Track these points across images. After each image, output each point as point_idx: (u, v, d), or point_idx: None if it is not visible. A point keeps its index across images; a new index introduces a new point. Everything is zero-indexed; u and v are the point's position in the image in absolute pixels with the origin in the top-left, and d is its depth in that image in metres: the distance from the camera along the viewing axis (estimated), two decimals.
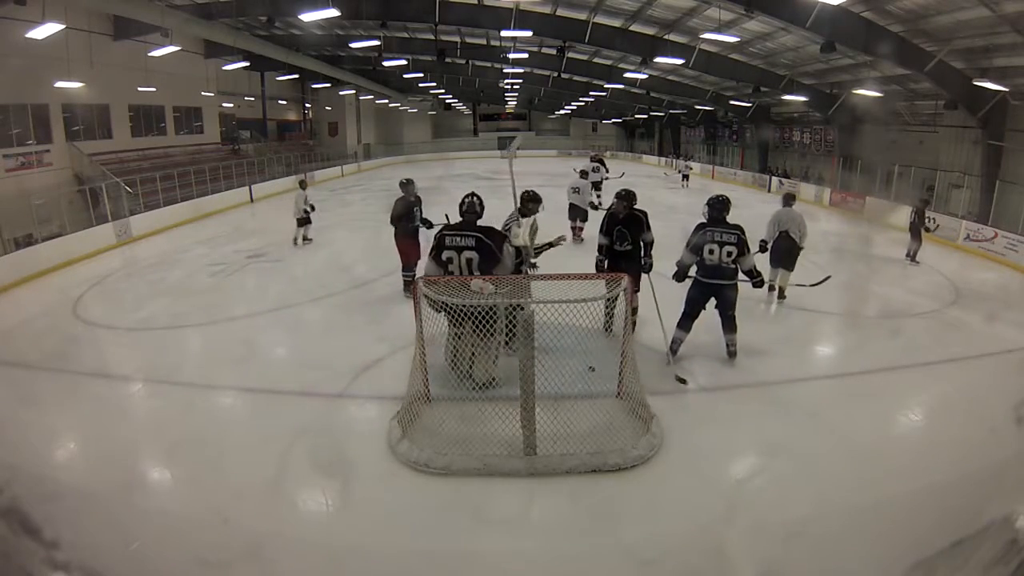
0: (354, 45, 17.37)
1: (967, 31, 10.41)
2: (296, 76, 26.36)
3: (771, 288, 6.96)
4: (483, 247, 4.32)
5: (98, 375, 5.30)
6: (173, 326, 6.58)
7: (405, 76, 23.99)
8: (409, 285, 7.14)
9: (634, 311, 5.00)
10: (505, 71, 22.74)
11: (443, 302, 3.98)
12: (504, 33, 14.47)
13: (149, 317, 6.93)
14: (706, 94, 21.81)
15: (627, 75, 19.44)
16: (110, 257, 10.64)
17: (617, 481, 3.51)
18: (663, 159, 31.04)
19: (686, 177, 20.75)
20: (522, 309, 3.56)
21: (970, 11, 9.58)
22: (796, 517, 3.20)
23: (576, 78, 24.01)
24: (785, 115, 21.91)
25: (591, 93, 26.44)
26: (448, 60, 19.56)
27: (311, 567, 2.90)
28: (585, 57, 20.55)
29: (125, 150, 16.74)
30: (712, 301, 4.98)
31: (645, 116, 32.18)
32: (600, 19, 14.46)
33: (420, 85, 27.74)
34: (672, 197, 17.68)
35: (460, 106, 36.97)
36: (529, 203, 5.41)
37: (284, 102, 28.94)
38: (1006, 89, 11.73)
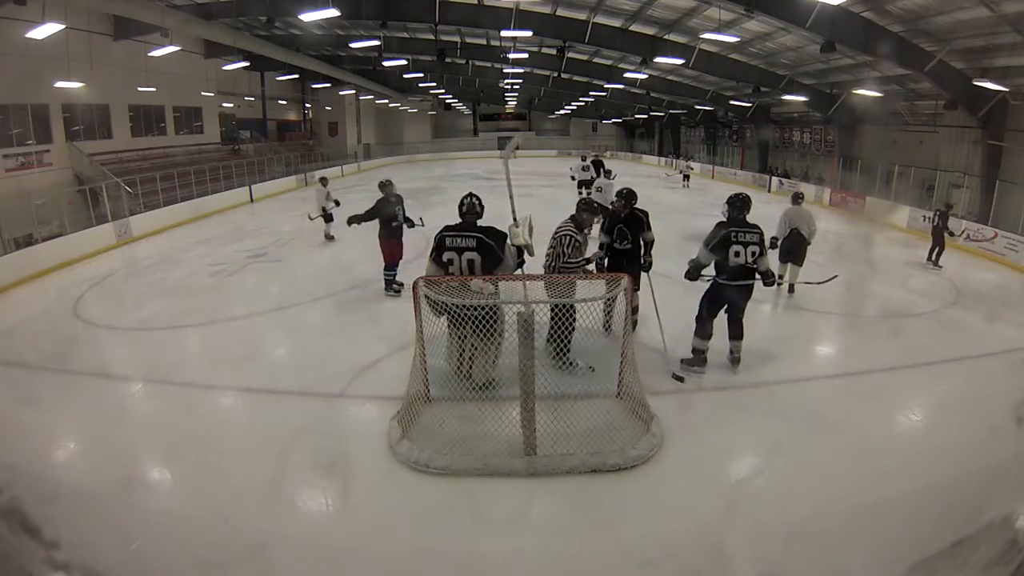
0: (354, 45, 17.37)
1: (967, 31, 10.41)
2: (296, 76, 26.35)
3: (779, 284, 7.04)
4: (485, 248, 4.29)
5: (98, 375, 5.30)
6: (173, 326, 6.58)
7: (405, 76, 23.98)
8: (391, 284, 7.23)
9: (635, 310, 5.01)
10: (505, 71, 22.74)
11: (443, 305, 3.97)
12: (504, 33, 14.47)
13: (149, 317, 6.93)
14: (706, 94, 21.81)
15: (627, 75, 19.45)
16: (110, 257, 10.64)
17: (617, 481, 3.51)
18: (663, 159, 31.05)
19: (687, 177, 20.78)
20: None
21: (970, 11, 9.58)
22: (796, 517, 3.20)
23: (576, 78, 24.02)
24: (785, 115, 21.91)
25: (591, 93, 26.45)
26: (448, 60, 19.57)
27: (311, 567, 2.90)
28: (585, 57, 20.55)
29: (125, 150, 16.75)
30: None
31: (645, 116, 32.17)
32: (600, 19, 14.46)
33: (420, 85, 27.73)
34: (673, 197, 17.69)
35: (460, 106, 36.96)
36: (584, 213, 5.03)
37: (284, 102, 28.94)
38: (1006, 89, 11.73)
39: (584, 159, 15.96)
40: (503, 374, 4.29)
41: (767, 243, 4.88)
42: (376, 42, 17.10)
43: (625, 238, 5.58)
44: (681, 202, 16.05)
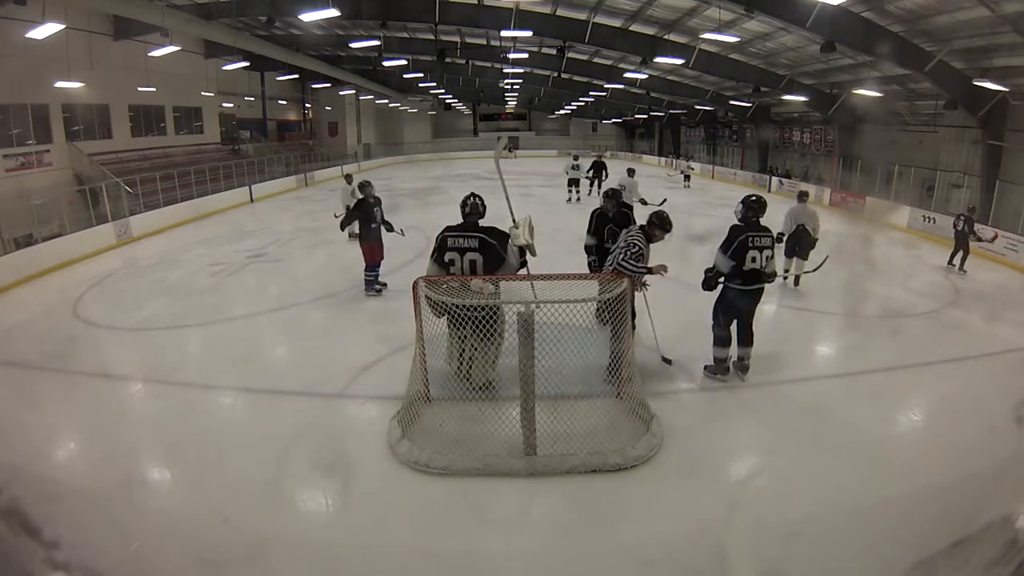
0: (354, 45, 17.36)
1: (967, 31, 10.41)
2: (296, 76, 26.36)
3: (785, 277, 7.23)
4: (487, 248, 4.28)
5: (98, 375, 5.30)
6: (173, 326, 6.58)
7: (405, 76, 23.98)
8: (371, 284, 7.27)
9: (632, 316, 5.00)
10: (505, 71, 22.74)
11: (443, 305, 3.96)
12: (504, 33, 14.47)
13: (149, 317, 6.93)
14: (706, 94, 21.81)
15: (627, 75, 19.44)
16: (110, 257, 10.64)
17: (617, 481, 3.51)
18: (663, 159, 31.05)
19: (687, 177, 20.81)
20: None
21: (970, 11, 9.58)
22: (796, 517, 3.20)
23: (576, 78, 24.03)
24: (785, 115, 21.91)
25: (591, 93, 26.45)
26: (448, 60, 19.57)
27: (311, 567, 2.90)
28: (585, 57, 20.55)
29: (125, 150, 16.75)
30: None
31: (645, 116, 32.18)
32: (600, 19, 14.46)
33: (420, 85, 27.73)
34: (673, 197, 17.62)
35: (460, 106, 36.96)
36: (657, 229, 4.68)
37: (284, 102, 28.94)
38: (1006, 89, 11.73)
39: (576, 159, 16.05)
40: (503, 374, 4.28)
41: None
42: (376, 42, 17.10)
43: (615, 237, 5.63)
44: (682, 202, 16.03)
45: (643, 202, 11.14)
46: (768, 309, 6.90)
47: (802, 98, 17.28)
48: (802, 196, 7.65)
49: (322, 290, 7.63)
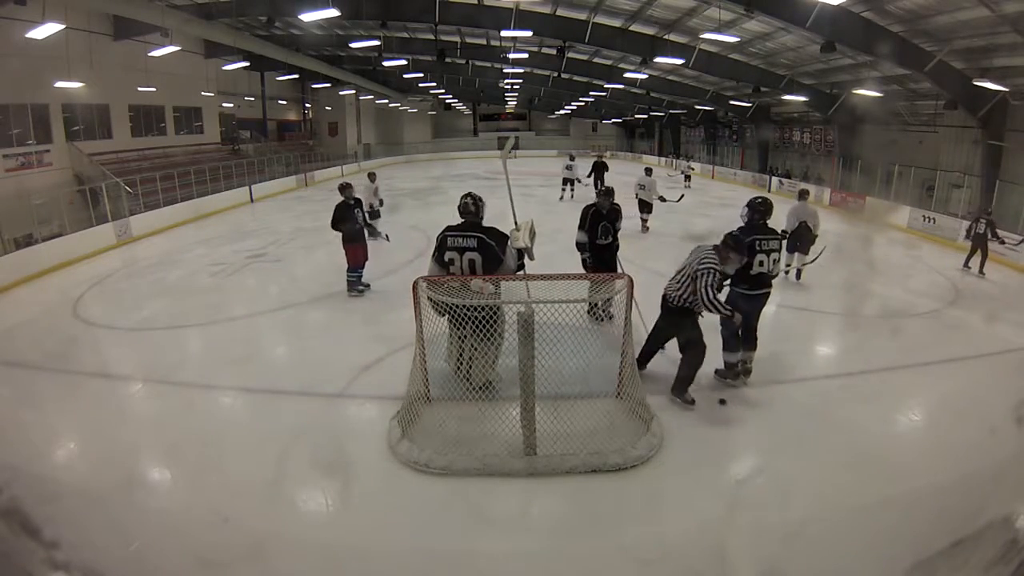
0: (354, 45, 17.36)
1: (967, 31, 10.41)
2: (296, 76, 26.36)
3: (787, 272, 7.37)
4: (485, 248, 4.27)
5: (98, 375, 5.30)
6: (173, 326, 6.58)
7: (405, 76, 23.97)
8: (354, 285, 7.31)
9: (611, 316, 5.03)
10: (505, 71, 22.73)
11: (444, 305, 3.96)
12: (504, 33, 14.47)
13: (149, 317, 6.93)
14: (706, 94, 21.81)
15: (627, 75, 19.44)
16: (110, 257, 10.64)
17: (617, 481, 3.51)
18: (663, 159, 31.05)
19: (688, 177, 20.84)
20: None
21: (970, 11, 9.58)
22: (796, 517, 3.20)
23: (576, 78, 24.02)
24: (785, 115, 21.91)
25: (591, 93, 26.45)
26: (448, 60, 19.57)
27: (311, 567, 2.90)
28: (585, 57, 20.55)
29: (125, 150, 16.75)
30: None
31: (645, 116, 32.17)
32: (600, 19, 14.46)
33: (420, 85, 27.73)
34: (672, 197, 17.66)
35: (460, 106, 36.96)
36: (731, 252, 4.19)
37: (284, 102, 28.94)
38: (1006, 89, 11.73)
39: (572, 159, 16.11)
40: (503, 374, 4.28)
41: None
42: (376, 42, 17.09)
43: (608, 233, 5.80)
44: (683, 202, 16.03)
45: (662, 199, 11.59)
46: (768, 310, 6.82)
47: (802, 98, 17.28)
48: (803, 195, 8.01)
49: (322, 290, 7.63)
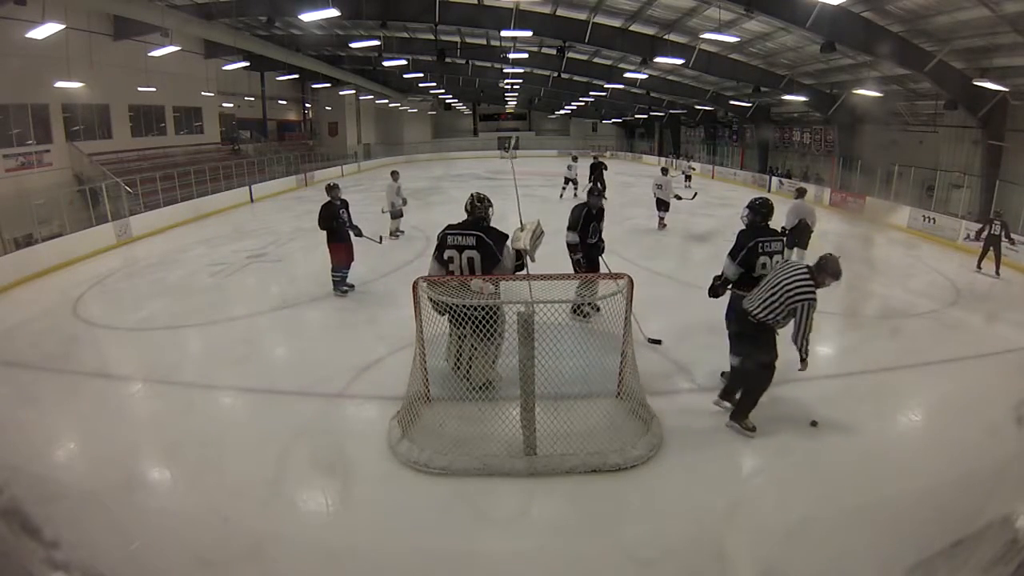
0: (354, 45, 17.37)
1: (967, 31, 10.41)
2: (296, 76, 26.36)
3: None
4: (484, 247, 4.28)
5: (98, 375, 5.30)
6: (173, 326, 6.58)
7: (405, 76, 23.98)
8: (338, 285, 7.33)
9: (598, 308, 5.02)
10: (505, 71, 22.73)
11: (443, 304, 3.97)
12: (504, 33, 14.47)
13: (149, 317, 6.93)
14: (706, 94, 21.81)
15: (627, 75, 19.44)
16: (110, 257, 10.64)
17: (617, 481, 3.51)
18: (663, 159, 31.04)
19: (688, 177, 20.84)
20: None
21: (970, 11, 9.58)
22: (796, 517, 3.20)
23: (576, 78, 24.02)
24: (785, 115, 21.91)
25: (591, 93, 26.45)
26: (448, 60, 19.56)
27: (311, 567, 2.90)
28: (585, 57, 20.55)
29: (125, 150, 16.76)
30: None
31: (645, 116, 32.17)
32: (600, 19, 14.46)
33: (420, 85, 27.72)
34: (688, 195, 17.67)
35: (460, 106, 36.96)
36: (827, 277, 3.79)
37: (284, 102, 28.95)
38: (1006, 89, 11.73)
39: (575, 159, 16.08)
40: (503, 374, 4.28)
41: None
42: (376, 42, 17.10)
43: (597, 232, 5.96)
44: (682, 202, 16.02)
45: (678, 197, 11.93)
46: None
47: (802, 98, 17.28)
48: (800, 193, 8.48)
49: (322, 290, 7.62)
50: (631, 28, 14.92)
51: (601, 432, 3.79)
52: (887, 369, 5.17)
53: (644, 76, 19.57)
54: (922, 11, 10.21)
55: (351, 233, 7.20)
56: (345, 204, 7.22)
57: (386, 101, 32.84)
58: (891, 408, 4.56)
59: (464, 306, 3.91)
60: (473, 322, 3.92)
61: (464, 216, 4.52)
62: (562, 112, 36.18)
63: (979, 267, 9.08)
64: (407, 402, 4.11)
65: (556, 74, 23.35)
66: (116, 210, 12.06)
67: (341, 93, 29.06)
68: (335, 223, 7.02)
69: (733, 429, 4.01)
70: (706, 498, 3.41)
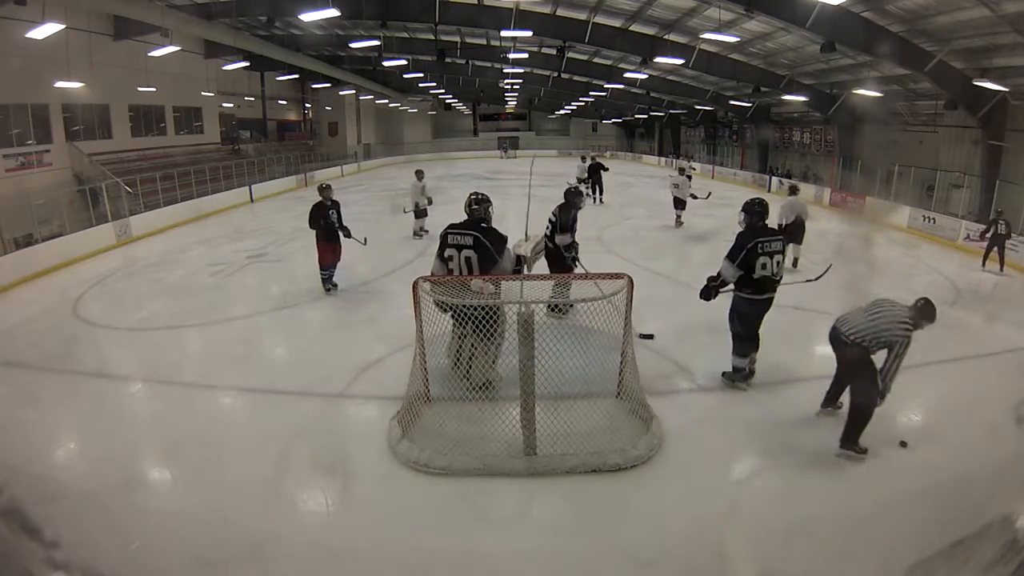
0: (354, 45, 17.37)
1: (967, 31, 10.41)
2: (296, 76, 26.37)
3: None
4: (481, 247, 4.30)
5: (98, 375, 5.30)
6: (173, 326, 6.58)
7: (405, 76, 23.99)
8: (326, 283, 7.43)
9: (571, 306, 5.03)
10: (505, 71, 22.74)
11: (443, 302, 3.99)
12: (504, 33, 14.47)
13: (149, 317, 6.94)
14: (706, 94, 21.81)
15: (627, 75, 19.44)
16: (110, 257, 10.64)
17: (617, 481, 3.51)
18: (663, 159, 31.05)
19: (689, 178, 20.81)
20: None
21: (970, 11, 9.58)
22: (796, 517, 3.20)
23: (576, 78, 24.02)
24: (785, 115, 21.91)
25: (591, 93, 26.45)
26: (448, 60, 19.57)
27: (311, 567, 2.90)
28: (585, 57, 20.55)
29: (125, 150, 16.76)
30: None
31: (645, 116, 32.17)
32: (600, 19, 14.46)
33: (420, 85, 27.74)
34: (702, 194, 17.68)
35: (460, 106, 36.97)
36: (925, 321, 3.72)
37: (284, 102, 28.96)
38: (1006, 89, 11.72)
39: (584, 160, 16.02)
40: (503, 374, 4.28)
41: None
42: (376, 42, 17.10)
43: (575, 232, 6.06)
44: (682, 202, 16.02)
45: (693, 196, 12.19)
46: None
47: (802, 98, 17.28)
48: (793, 190, 8.91)
49: (322, 290, 7.62)
50: (631, 28, 14.92)
51: (601, 432, 3.79)
52: None
53: (644, 76, 19.57)
54: (922, 11, 10.21)
55: (340, 233, 7.29)
56: (336, 205, 7.33)
57: (386, 101, 32.85)
58: (891, 408, 4.55)
59: (464, 306, 3.92)
60: (473, 322, 3.93)
61: (464, 216, 4.56)
62: (562, 112, 36.19)
63: (984, 265, 9.21)
64: (407, 402, 4.11)
65: (556, 74, 23.34)
66: (116, 210, 12.06)
67: (341, 93, 29.07)
68: (322, 223, 7.14)
69: (844, 456, 3.76)
70: (706, 498, 3.41)
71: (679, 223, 12.19)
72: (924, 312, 3.71)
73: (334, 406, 4.60)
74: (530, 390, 3.58)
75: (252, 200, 17.96)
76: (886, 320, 3.69)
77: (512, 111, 39.21)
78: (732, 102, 21.37)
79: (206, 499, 3.42)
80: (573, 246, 6.07)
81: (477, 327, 3.97)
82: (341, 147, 30.54)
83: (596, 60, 20.92)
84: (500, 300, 4.17)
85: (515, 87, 28.24)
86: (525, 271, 4.68)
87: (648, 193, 18.77)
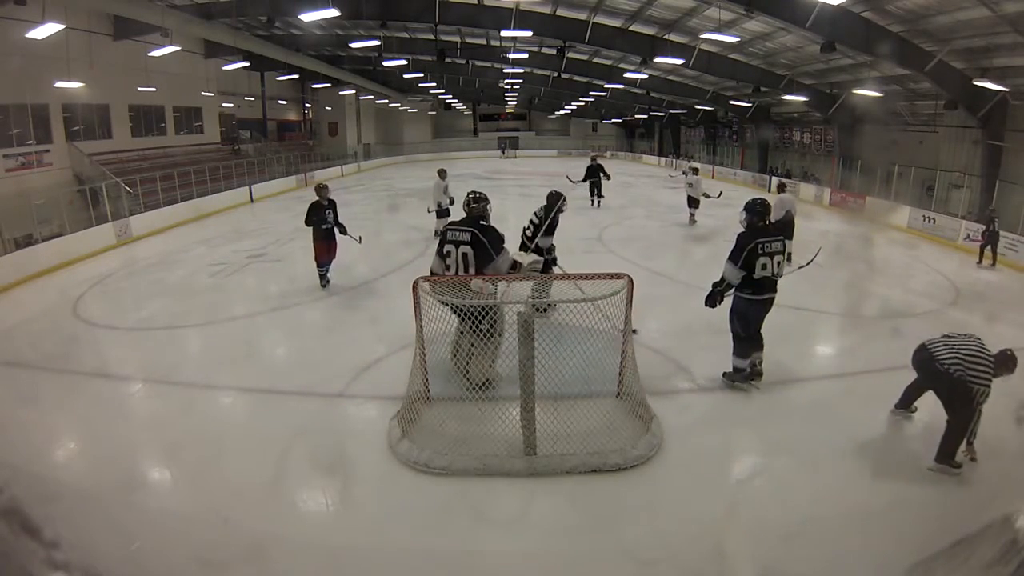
0: (354, 45, 17.37)
1: (967, 31, 10.41)
2: (296, 76, 26.36)
3: None
4: (478, 243, 4.35)
5: (98, 375, 5.30)
6: (173, 326, 6.58)
7: (405, 76, 23.99)
8: (321, 278, 7.61)
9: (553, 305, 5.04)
10: (505, 71, 22.74)
11: (442, 301, 4.01)
12: (504, 33, 14.47)
13: (149, 317, 6.94)
14: (706, 94, 21.81)
15: (627, 75, 19.44)
16: (110, 257, 10.64)
17: (617, 481, 3.51)
18: (663, 159, 31.06)
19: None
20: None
21: (970, 11, 9.58)
22: (796, 517, 3.20)
23: (576, 78, 24.03)
24: (785, 115, 21.91)
25: (591, 93, 26.45)
26: (448, 60, 19.56)
27: (311, 567, 2.90)
28: (585, 57, 20.55)
29: (125, 150, 16.75)
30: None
31: (645, 116, 32.18)
32: (600, 19, 14.46)
33: (420, 85, 27.74)
34: (674, 197, 17.65)
35: (460, 106, 36.98)
36: (1005, 371, 3.69)
37: (284, 102, 28.95)
38: (1006, 89, 11.72)
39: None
40: (503, 373, 4.28)
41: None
42: (376, 42, 17.10)
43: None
44: (681, 202, 16.00)
45: (706, 195, 12.40)
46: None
47: (802, 98, 17.28)
48: (782, 187, 9.46)
49: (321, 290, 7.63)
50: (631, 28, 14.92)
51: (601, 432, 3.79)
52: (887, 369, 5.15)
53: (644, 76, 19.57)
54: (922, 11, 10.21)
55: (336, 231, 7.50)
56: (332, 204, 7.50)
57: (386, 101, 32.86)
58: (891, 408, 4.55)
59: (457, 306, 3.97)
60: (471, 320, 3.96)
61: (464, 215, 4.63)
62: (562, 112, 36.18)
63: (980, 262, 9.56)
64: (407, 402, 4.11)
65: (556, 74, 23.35)
66: (116, 210, 12.06)
67: (341, 93, 29.07)
68: (317, 220, 7.33)
69: (939, 471, 3.63)
70: (706, 498, 3.41)
71: (693, 221, 12.47)
72: (1007, 363, 3.65)
73: (334, 406, 4.60)
74: (530, 390, 3.58)
75: (252, 200, 17.95)
76: (974, 357, 3.65)
77: (512, 111, 39.20)
78: (732, 102, 21.37)
79: (206, 499, 3.42)
80: (551, 248, 6.18)
81: (475, 326, 3.99)
82: (341, 147, 30.53)
83: (596, 60, 20.91)
84: (498, 300, 4.19)
85: (515, 87, 28.24)
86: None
87: (648, 193, 18.77)
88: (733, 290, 4.53)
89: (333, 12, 10.84)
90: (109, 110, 16.59)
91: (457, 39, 19.49)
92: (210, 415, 4.60)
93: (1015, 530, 1.45)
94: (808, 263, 5.70)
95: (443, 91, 31.04)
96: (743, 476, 3.76)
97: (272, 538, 3.06)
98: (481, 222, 4.51)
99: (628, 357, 4.20)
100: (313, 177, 22.88)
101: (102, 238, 11.17)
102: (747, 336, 4.57)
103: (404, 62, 19.41)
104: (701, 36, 13.62)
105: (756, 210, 4.48)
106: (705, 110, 25.64)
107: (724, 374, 4.77)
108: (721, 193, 12.75)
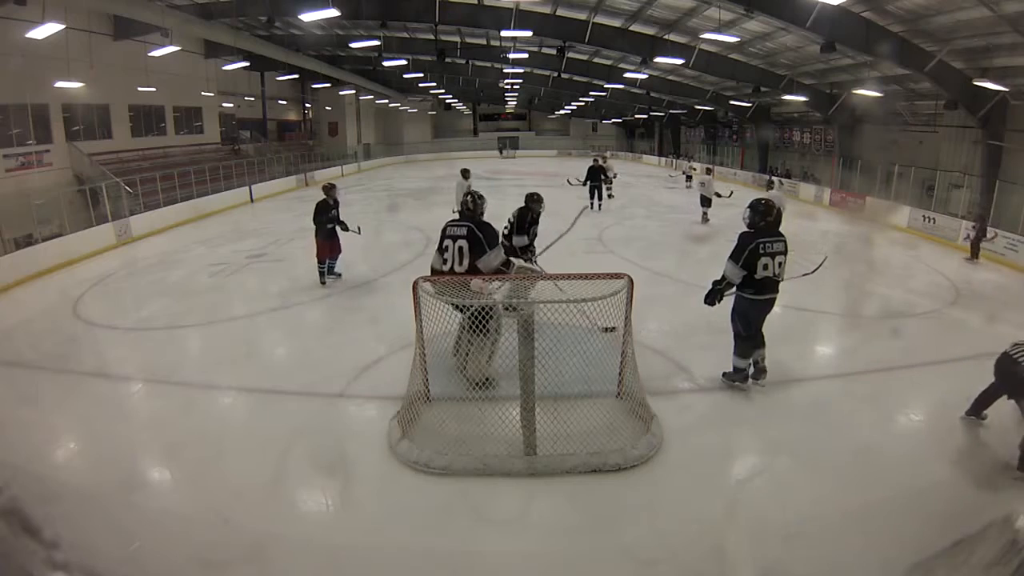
0: (354, 45, 17.37)
1: (967, 31, 10.41)
2: (296, 76, 26.36)
3: None
4: (473, 237, 4.51)
5: (98, 375, 5.30)
6: (173, 326, 6.58)
7: (405, 76, 23.98)
8: (322, 276, 7.78)
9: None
10: (505, 71, 22.73)
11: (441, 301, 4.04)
12: (504, 33, 14.47)
13: (149, 317, 6.94)
14: (706, 94, 21.81)
15: (627, 75, 19.44)
16: (110, 257, 10.64)
17: (617, 481, 3.51)
18: (663, 159, 31.06)
19: (689, 178, 20.87)
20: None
21: (970, 11, 9.58)
22: (796, 517, 3.20)
23: (576, 78, 24.01)
24: (785, 115, 21.91)
25: (591, 93, 26.44)
26: (448, 60, 19.57)
27: (311, 567, 2.90)
28: (585, 57, 20.55)
29: (125, 150, 16.76)
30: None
31: (645, 116, 32.17)
32: (600, 19, 14.46)
33: (420, 85, 27.73)
34: (674, 197, 17.70)
35: (460, 106, 36.96)
36: None
37: (284, 102, 28.94)
38: (1006, 89, 11.72)
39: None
40: (503, 372, 4.28)
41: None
42: (376, 42, 17.10)
43: (534, 235, 6.20)
44: (682, 202, 16.03)
45: (718, 195, 12.54)
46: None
47: (802, 98, 17.27)
48: (771, 184, 9.90)
49: (322, 290, 7.64)
50: (631, 28, 14.91)
51: (601, 432, 3.78)
52: (887, 369, 5.17)
53: (644, 76, 19.57)
54: (922, 11, 10.21)
55: (337, 228, 7.69)
56: (336, 204, 7.68)
57: (386, 101, 32.85)
58: (891, 408, 4.56)
59: (454, 304, 4.04)
60: (469, 317, 4.02)
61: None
62: (562, 112, 36.17)
63: (976, 258, 9.92)
64: (407, 402, 4.11)
65: (556, 74, 23.34)
66: (116, 210, 12.06)
67: (341, 93, 29.06)
68: (323, 220, 7.50)
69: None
70: (706, 498, 3.41)
71: (706, 219, 12.61)
72: None
73: (334, 406, 4.60)
74: (530, 390, 3.58)
75: (252, 200, 17.96)
76: None
77: (512, 111, 39.19)
78: (732, 102, 21.37)
79: (206, 499, 3.41)
80: (529, 248, 6.22)
81: (471, 323, 4.06)
82: (341, 147, 30.53)
83: (596, 60, 20.91)
84: (498, 300, 4.21)
85: (515, 87, 28.23)
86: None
87: (648, 193, 18.78)
88: (734, 289, 4.53)
89: (333, 12, 10.84)
90: (109, 110, 16.60)
91: (457, 39, 19.49)
92: (210, 415, 4.60)
93: (1015, 530, 1.45)
94: (812, 271, 5.70)
95: (443, 91, 31.03)
96: (743, 476, 3.76)
97: (272, 538, 3.06)
98: (478, 218, 4.72)
99: (628, 357, 4.20)
100: (313, 177, 22.89)
101: (102, 238, 11.17)
102: (748, 336, 4.56)
103: (404, 62, 19.40)
104: (701, 36, 13.62)
105: (759, 210, 4.47)
106: (705, 110, 25.63)
107: (724, 374, 4.77)
108: (732, 192, 12.84)
